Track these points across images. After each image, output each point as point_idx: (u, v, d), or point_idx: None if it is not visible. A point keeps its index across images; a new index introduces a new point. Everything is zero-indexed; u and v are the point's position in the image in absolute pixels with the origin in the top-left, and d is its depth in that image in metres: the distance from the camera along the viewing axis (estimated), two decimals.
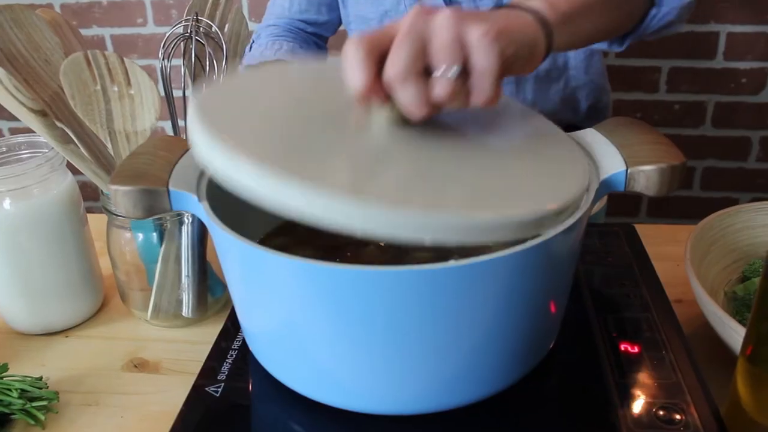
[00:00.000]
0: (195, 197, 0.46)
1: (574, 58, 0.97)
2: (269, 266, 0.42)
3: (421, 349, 0.43)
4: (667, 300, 0.60)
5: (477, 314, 0.43)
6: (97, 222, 0.72)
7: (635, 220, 1.71)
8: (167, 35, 0.60)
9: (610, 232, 0.71)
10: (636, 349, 0.53)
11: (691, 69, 1.54)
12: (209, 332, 0.64)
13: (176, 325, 0.67)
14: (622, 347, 0.54)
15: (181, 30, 0.62)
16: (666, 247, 0.77)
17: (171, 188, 0.46)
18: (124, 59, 0.49)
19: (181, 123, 0.60)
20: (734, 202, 1.65)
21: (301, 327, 0.44)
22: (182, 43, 0.62)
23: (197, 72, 0.63)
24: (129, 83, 0.50)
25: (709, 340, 0.57)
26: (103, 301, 0.71)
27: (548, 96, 0.98)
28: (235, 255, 0.45)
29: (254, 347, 0.53)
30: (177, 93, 0.62)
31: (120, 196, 0.45)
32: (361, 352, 0.43)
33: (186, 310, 0.65)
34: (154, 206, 0.46)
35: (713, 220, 0.67)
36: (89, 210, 0.70)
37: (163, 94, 0.60)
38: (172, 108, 0.61)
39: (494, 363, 0.46)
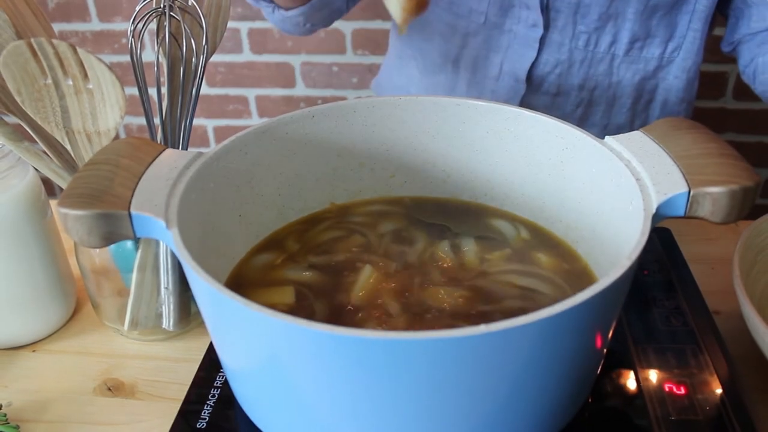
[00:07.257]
0: (162, 222, 0.38)
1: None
2: (248, 321, 0.34)
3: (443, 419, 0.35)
4: (716, 326, 0.52)
5: (501, 382, 0.35)
6: None
7: None
8: (136, 11, 0.51)
9: None
10: (682, 390, 0.46)
11: (710, 37, 1.43)
12: (192, 347, 0.60)
13: (156, 338, 0.60)
14: (667, 387, 0.46)
15: (153, 4, 0.52)
16: (697, 246, 0.71)
17: (133, 211, 0.37)
18: (78, 49, 0.40)
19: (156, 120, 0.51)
20: None
21: (294, 390, 0.37)
22: (156, 20, 0.53)
23: (174, 54, 0.54)
24: (86, 76, 0.42)
25: (756, 361, 0.50)
26: (75, 307, 0.64)
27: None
28: (207, 301, 0.37)
29: (238, 395, 0.46)
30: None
31: (71, 221, 0.37)
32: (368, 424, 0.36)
33: (166, 323, 0.58)
34: (114, 233, 0.38)
35: (762, 224, 0.59)
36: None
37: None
38: (145, 97, 0.52)
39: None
